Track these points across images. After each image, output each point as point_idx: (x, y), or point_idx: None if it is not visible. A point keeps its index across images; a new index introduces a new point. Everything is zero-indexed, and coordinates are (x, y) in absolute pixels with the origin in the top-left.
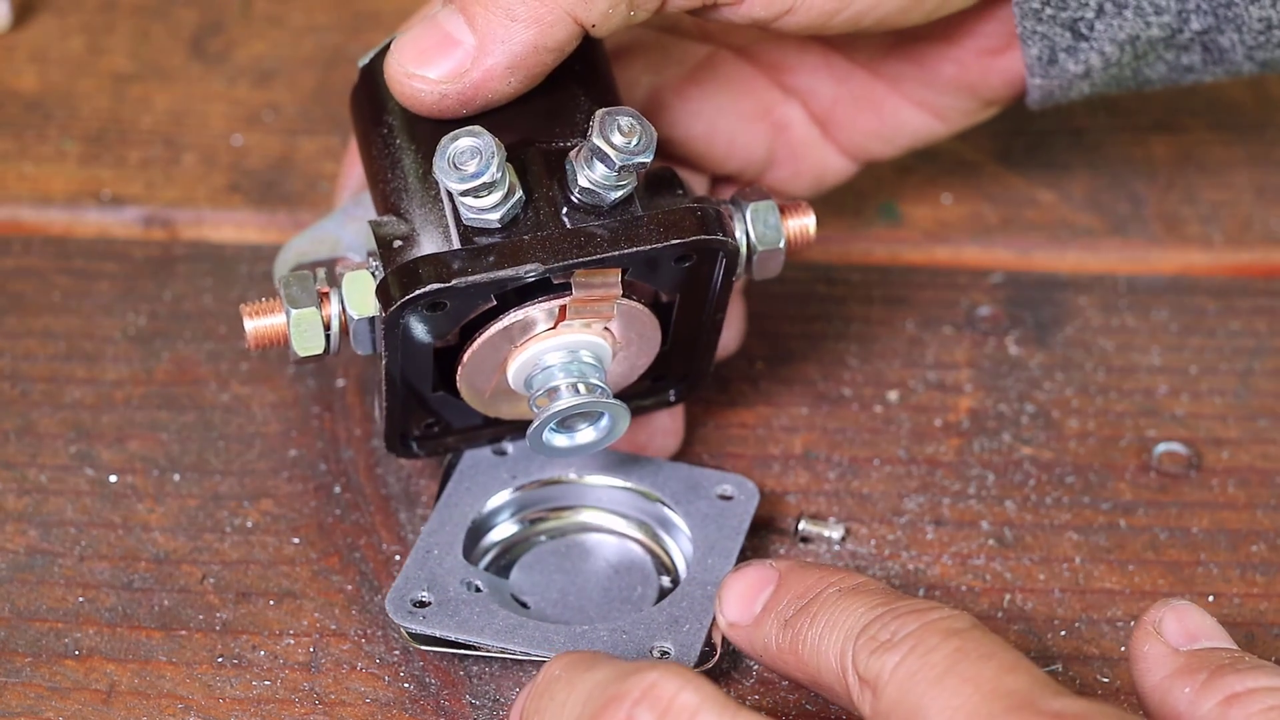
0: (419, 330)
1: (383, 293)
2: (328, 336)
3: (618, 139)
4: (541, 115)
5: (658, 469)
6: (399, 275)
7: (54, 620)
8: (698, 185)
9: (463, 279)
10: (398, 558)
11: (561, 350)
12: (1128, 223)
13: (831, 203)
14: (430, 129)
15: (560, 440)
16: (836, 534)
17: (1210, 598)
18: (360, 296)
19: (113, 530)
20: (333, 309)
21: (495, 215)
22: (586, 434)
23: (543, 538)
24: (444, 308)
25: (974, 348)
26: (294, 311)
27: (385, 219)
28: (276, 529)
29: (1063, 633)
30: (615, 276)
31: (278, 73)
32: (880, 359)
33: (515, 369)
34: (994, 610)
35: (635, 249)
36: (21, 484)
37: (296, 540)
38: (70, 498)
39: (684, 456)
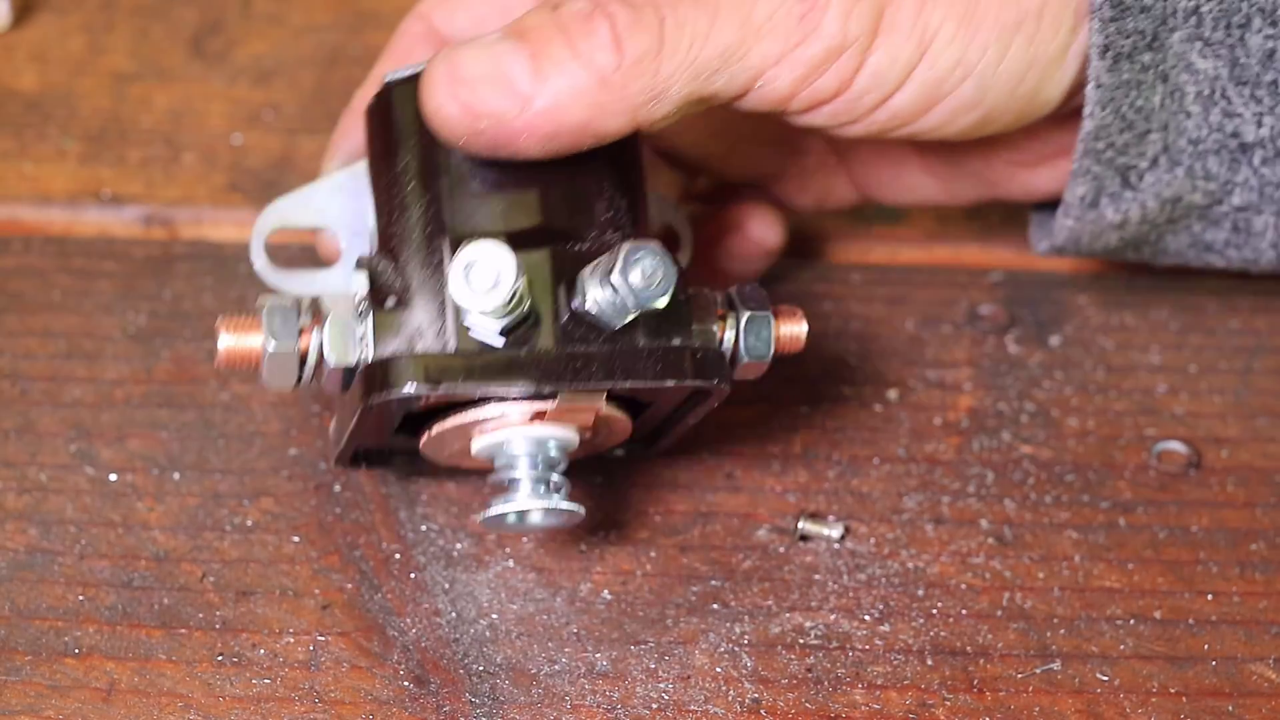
0: (393, 407)
1: (367, 379)
2: (300, 375)
3: (636, 280)
4: (559, 193)
5: None
6: (386, 370)
7: (54, 619)
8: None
9: (449, 387)
10: (398, 556)
11: (528, 441)
12: None
13: None
14: (448, 186)
15: (511, 519)
16: (836, 532)
17: (1209, 596)
18: (342, 345)
19: (113, 529)
20: (311, 345)
21: (497, 326)
22: (536, 519)
23: None
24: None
25: (974, 346)
26: (272, 345)
27: (380, 263)
28: (276, 527)
29: (1062, 631)
30: (601, 397)
31: (277, 72)
32: (880, 358)
33: (479, 447)
34: (994, 609)
35: (628, 382)
36: (21, 483)
37: (296, 539)
38: (70, 496)
39: (685, 455)
